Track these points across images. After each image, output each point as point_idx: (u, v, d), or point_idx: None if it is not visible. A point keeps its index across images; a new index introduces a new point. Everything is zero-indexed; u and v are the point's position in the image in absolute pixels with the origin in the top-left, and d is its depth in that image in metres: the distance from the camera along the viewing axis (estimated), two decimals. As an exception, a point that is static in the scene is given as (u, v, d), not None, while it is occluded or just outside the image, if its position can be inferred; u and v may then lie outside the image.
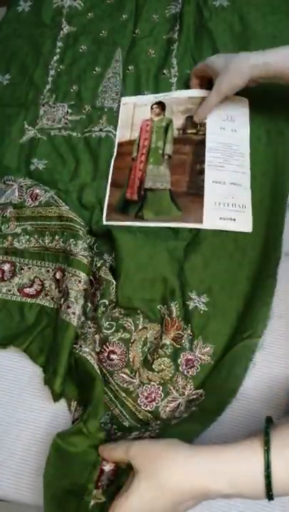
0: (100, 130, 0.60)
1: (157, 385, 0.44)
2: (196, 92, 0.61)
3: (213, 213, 0.52)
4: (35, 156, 0.59)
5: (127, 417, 0.44)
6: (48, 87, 0.64)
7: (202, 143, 0.57)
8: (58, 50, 0.67)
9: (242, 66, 0.52)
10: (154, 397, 0.44)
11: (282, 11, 0.66)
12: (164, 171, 0.56)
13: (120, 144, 0.60)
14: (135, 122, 0.61)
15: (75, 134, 0.60)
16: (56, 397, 0.43)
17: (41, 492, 0.40)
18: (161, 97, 0.62)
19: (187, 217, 0.53)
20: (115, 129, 0.60)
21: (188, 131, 0.58)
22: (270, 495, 0.32)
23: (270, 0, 0.67)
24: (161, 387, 0.44)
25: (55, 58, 0.67)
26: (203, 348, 0.45)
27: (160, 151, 0.58)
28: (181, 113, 0.60)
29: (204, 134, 0.57)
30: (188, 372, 0.44)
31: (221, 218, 0.52)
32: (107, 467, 0.39)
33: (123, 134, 0.60)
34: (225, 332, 0.46)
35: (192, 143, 0.57)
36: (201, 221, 0.52)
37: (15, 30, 0.71)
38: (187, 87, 0.62)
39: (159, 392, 0.44)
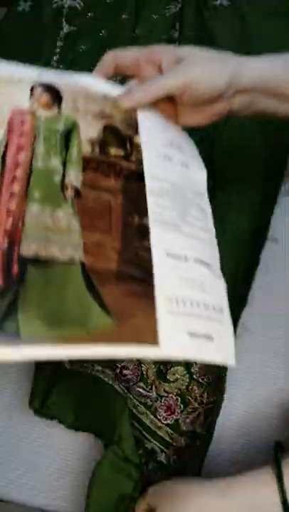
0: (100, 130, 0.59)
1: (175, 396, 0.43)
2: (116, 89, 0.37)
3: (175, 322, 0.28)
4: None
5: (148, 437, 0.43)
6: (47, 86, 0.64)
7: (137, 176, 0.33)
8: (57, 50, 0.67)
9: (228, 59, 0.36)
10: (174, 410, 0.42)
11: (283, 11, 0.66)
12: (66, 221, 0.30)
13: None
14: None
15: (74, 133, 0.60)
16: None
17: (40, 492, 0.40)
18: (52, 76, 0.36)
19: (126, 334, 0.27)
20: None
21: (112, 151, 0.34)
22: None
23: (271, 0, 0.66)
24: (179, 399, 0.43)
25: (55, 58, 0.67)
26: None
27: (56, 178, 0.31)
28: (94, 117, 0.35)
29: (141, 161, 0.33)
30: (202, 379, 0.44)
31: (190, 334, 0.29)
32: None
33: None
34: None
35: (120, 173, 0.33)
36: (154, 341, 0.27)
37: (15, 29, 0.70)
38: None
39: (178, 403, 0.43)
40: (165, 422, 0.43)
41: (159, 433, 0.43)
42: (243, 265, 0.47)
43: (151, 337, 0.27)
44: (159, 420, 0.43)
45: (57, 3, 0.71)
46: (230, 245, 0.50)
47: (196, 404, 0.43)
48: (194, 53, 0.36)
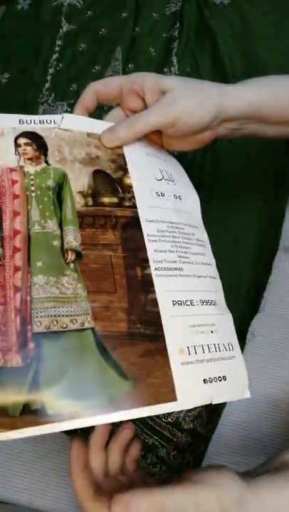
0: (100, 129, 0.59)
1: None
2: (98, 125, 0.35)
3: (191, 374, 0.28)
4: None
5: (149, 433, 0.42)
6: (47, 85, 0.64)
7: (134, 222, 0.32)
8: (57, 49, 0.67)
9: (212, 92, 0.34)
10: None
11: (283, 9, 0.66)
12: (72, 288, 0.29)
13: None
14: None
15: (74, 132, 0.60)
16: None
17: (41, 493, 0.39)
18: (34, 123, 0.34)
19: (145, 395, 0.27)
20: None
21: (105, 200, 0.32)
22: None
23: (271, -2, 0.66)
24: None
25: (54, 57, 0.66)
26: None
27: (55, 243, 0.30)
28: (81, 164, 0.33)
29: (135, 205, 0.32)
30: None
31: (206, 381, 0.28)
32: None
33: None
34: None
35: (117, 223, 0.31)
36: (172, 398, 0.27)
37: (14, 28, 0.70)
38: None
39: None
40: (166, 421, 0.43)
41: (160, 429, 0.43)
42: (252, 273, 0.47)
43: (169, 394, 0.27)
44: (160, 419, 0.43)
45: (56, 1, 0.71)
46: (232, 245, 0.50)
47: None
48: (178, 86, 0.34)
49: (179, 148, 0.38)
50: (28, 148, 0.32)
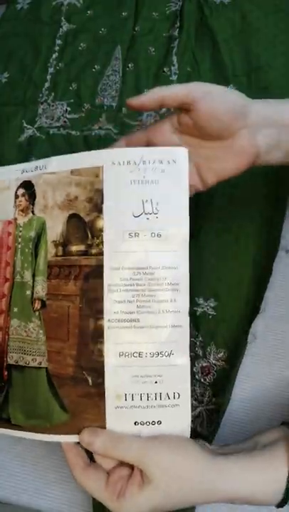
0: (100, 128, 0.60)
1: None
2: (86, 158, 0.34)
3: (123, 417, 0.32)
4: (33, 155, 0.58)
5: None
6: (46, 85, 0.64)
7: (97, 271, 0.33)
8: (56, 48, 0.67)
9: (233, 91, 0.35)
10: None
11: (283, 9, 0.65)
12: (35, 332, 0.33)
13: None
14: None
15: (74, 132, 0.60)
16: None
17: (42, 494, 0.39)
18: (31, 170, 0.35)
19: (78, 427, 0.33)
20: (115, 128, 0.59)
21: (73, 248, 0.33)
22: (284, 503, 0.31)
23: (272, -2, 0.66)
24: None
25: (54, 56, 0.66)
26: (216, 354, 0.45)
27: (27, 292, 0.34)
28: (60, 208, 0.34)
29: (102, 252, 0.32)
30: (204, 379, 0.44)
31: (136, 423, 0.32)
32: None
33: None
34: (235, 335, 0.45)
35: (79, 274, 0.33)
36: (102, 428, 0.32)
37: (13, 27, 0.70)
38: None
39: None
40: None
41: None
42: (252, 273, 0.47)
43: (99, 427, 0.32)
44: None
45: (56, 1, 0.71)
46: (232, 245, 0.50)
47: (196, 403, 0.43)
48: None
49: (219, 173, 0.36)
50: (23, 199, 0.35)
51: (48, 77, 0.64)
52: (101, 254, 0.32)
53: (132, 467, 0.32)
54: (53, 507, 0.42)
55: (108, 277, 0.32)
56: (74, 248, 0.33)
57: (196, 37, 0.65)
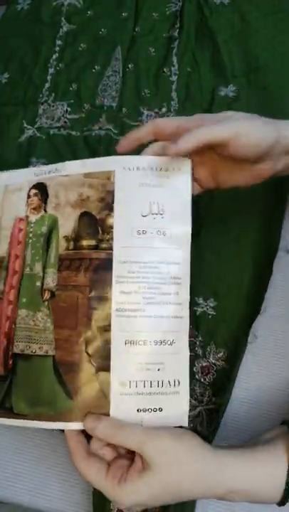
0: (100, 129, 0.60)
1: None
2: (100, 164, 0.36)
3: (126, 403, 0.33)
4: (34, 155, 0.59)
5: None
6: (47, 85, 0.64)
7: (107, 264, 0.35)
8: (57, 49, 0.67)
9: (270, 121, 0.35)
10: None
11: (283, 9, 0.66)
12: (43, 321, 0.35)
13: None
14: (4, 223, 0.38)
15: (74, 132, 0.60)
16: None
17: (42, 494, 0.39)
18: (45, 173, 0.38)
19: (82, 414, 0.33)
20: (115, 128, 0.60)
21: (84, 242, 0.35)
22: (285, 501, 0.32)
23: (271, -1, 0.66)
24: None
25: (54, 57, 0.66)
26: (216, 354, 0.45)
27: (37, 283, 0.35)
28: (72, 207, 0.36)
29: (111, 247, 0.35)
30: (204, 379, 0.44)
31: (139, 410, 0.33)
32: None
33: None
34: (235, 335, 0.45)
35: (90, 266, 0.35)
36: (106, 414, 0.33)
37: (14, 28, 0.70)
38: (187, 87, 0.61)
39: None
40: None
41: None
42: (253, 273, 0.47)
43: (103, 414, 0.33)
44: None
45: (56, 1, 0.71)
46: (233, 245, 0.50)
47: (196, 403, 0.43)
48: (239, 114, 0.36)
49: (234, 183, 0.38)
50: (35, 198, 0.37)
51: (49, 77, 0.65)
52: (111, 248, 0.35)
53: (132, 458, 0.32)
54: (53, 507, 0.42)
55: (116, 270, 0.34)
56: (85, 243, 0.35)
57: (196, 37, 0.65)
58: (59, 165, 0.37)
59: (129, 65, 0.64)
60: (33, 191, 0.37)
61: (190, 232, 0.36)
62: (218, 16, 0.65)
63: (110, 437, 0.32)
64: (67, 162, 0.37)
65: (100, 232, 0.35)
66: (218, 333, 0.46)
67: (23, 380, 0.34)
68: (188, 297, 0.35)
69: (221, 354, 0.45)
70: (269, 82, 0.60)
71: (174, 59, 0.64)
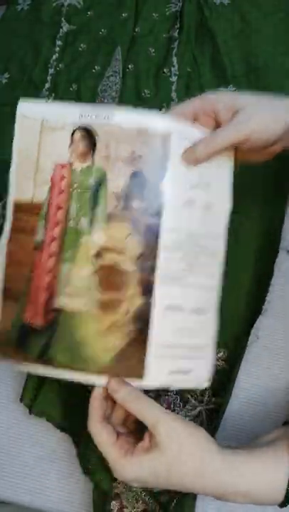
0: (100, 129, 0.60)
1: (174, 395, 0.43)
2: (151, 119, 0.34)
3: (160, 364, 0.34)
4: (34, 156, 0.59)
5: None
6: (47, 85, 0.64)
7: (155, 229, 0.34)
8: (57, 49, 0.67)
9: (280, 106, 0.37)
10: (174, 408, 0.43)
11: (283, 9, 0.66)
12: (87, 280, 0.34)
13: (17, 209, 0.36)
14: (42, 165, 0.35)
15: (74, 133, 0.60)
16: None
17: (42, 494, 0.39)
18: (91, 115, 0.34)
19: (120, 371, 0.34)
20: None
21: (135, 204, 0.34)
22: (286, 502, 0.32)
23: (271, -1, 0.66)
24: (178, 397, 0.43)
25: (54, 57, 0.66)
26: (216, 354, 0.45)
27: (83, 239, 0.34)
28: (123, 163, 0.34)
29: (161, 213, 0.34)
30: None
31: (171, 372, 0.35)
32: None
33: (20, 186, 0.36)
34: (236, 335, 0.45)
35: (138, 229, 0.34)
36: (140, 375, 0.34)
37: (14, 28, 0.70)
38: (187, 87, 0.61)
39: (178, 402, 0.43)
40: None
41: None
42: (253, 274, 0.47)
43: (138, 374, 0.34)
44: None
45: (56, 1, 0.71)
46: (233, 245, 0.50)
47: (196, 403, 0.43)
48: (251, 104, 0.36)
49: (252, 160, 0.40)
50: (81, 144, 0.34)
51: (49, 77, 0.65)
52: (159, 215, 0.34)
53: (140, 439, 0.33)
54: (53, 507, 0.42)
55: (163, 237, 0.34)
56: (135, 204, 0.34)
57: (196, 38, 0.65)
58: (107, 110, 0.34)
59: (129, 66, 0.64)
60: (79, 134, 0.34)
61: (230, 209, 0.37)
62: (218, 16, 0.66)
63: (129, 403, 0.33)
64: (116, 109, 0.35)
65: (152, 197, 0.34)
66: (219, 333, 0.46)
67: (63, 334, 0.34)
68: (222, 271, 0.37)
69: (221, 354, 0.45)
70: (269, 82, 0.60)
71: (174, 59, 0.64)
